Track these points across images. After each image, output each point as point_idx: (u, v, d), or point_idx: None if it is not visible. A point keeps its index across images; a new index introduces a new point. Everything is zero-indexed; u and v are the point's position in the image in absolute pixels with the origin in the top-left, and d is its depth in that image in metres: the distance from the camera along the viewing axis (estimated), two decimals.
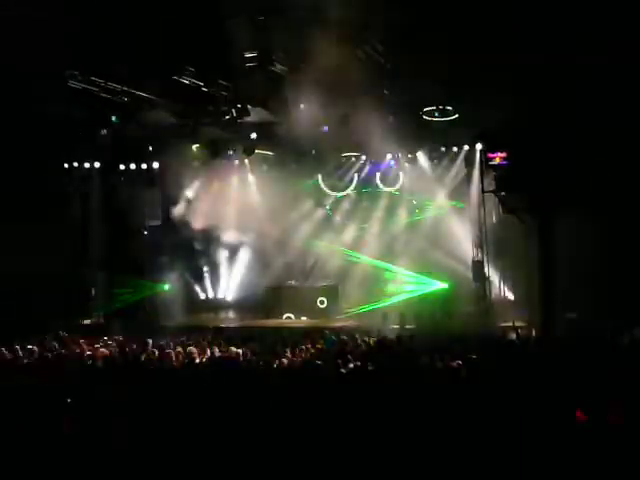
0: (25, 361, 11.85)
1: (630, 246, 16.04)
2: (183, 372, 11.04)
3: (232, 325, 20.34)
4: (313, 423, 7.83)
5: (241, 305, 22.18)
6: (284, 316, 20.80)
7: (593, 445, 7.20)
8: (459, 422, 7.89)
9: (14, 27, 12.58)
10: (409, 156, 20.15)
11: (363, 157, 20.96)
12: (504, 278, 19.20)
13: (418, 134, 18.41)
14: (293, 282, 22.02)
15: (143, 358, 12.05)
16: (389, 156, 20.43)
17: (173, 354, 11.82)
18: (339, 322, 19.34)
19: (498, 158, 18.43)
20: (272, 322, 20.36)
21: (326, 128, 18.27)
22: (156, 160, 21.10)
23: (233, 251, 22.62)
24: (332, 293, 21.06)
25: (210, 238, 21.95)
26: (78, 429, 7.71)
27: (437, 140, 19.18)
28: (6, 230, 17.69)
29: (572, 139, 15.59)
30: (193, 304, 21.78)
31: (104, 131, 18.47)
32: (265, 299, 21.63)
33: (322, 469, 7.05)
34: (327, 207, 22.33)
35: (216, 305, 22.81)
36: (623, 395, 8.27)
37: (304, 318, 20.55)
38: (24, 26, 12.70)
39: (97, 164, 21.34)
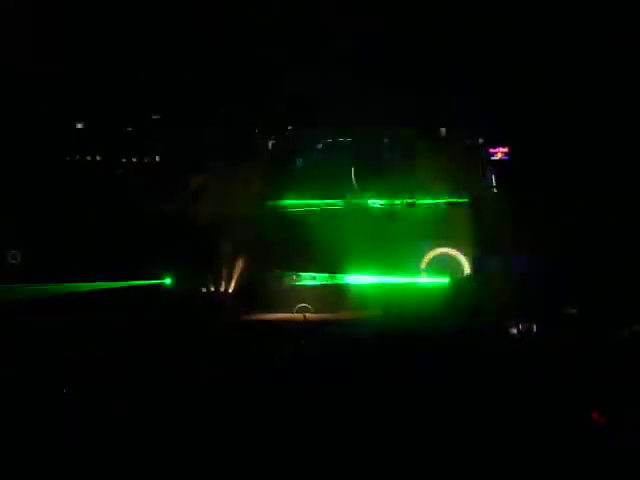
0: None
1: (632, 241, 16.07)
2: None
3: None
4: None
5: (243, 299, 22.10)
6: (286, 310, 20.74)
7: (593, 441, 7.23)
8: (459, 416, 7.91)
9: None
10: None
11: None
12: (505, 272, 19.15)
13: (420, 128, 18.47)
14: (294, 276, 21.98)
15: None
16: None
17: None
18: (340, 315, 19.38)
19: (500, 153, 18.45)
20: (273, 316, 20.33)
21: None
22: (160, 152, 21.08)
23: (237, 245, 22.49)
24: (333, 286, 21.09)
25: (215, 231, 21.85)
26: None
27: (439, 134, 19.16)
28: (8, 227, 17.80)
29: (572, 133, 15.67)
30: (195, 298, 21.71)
31: None
32: (267, 293, 21.58)
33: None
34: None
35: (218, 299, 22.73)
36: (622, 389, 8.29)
37: (307, 312, 20.47)
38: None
39: (98, 157, 21.33)
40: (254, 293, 21.54)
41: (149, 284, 21.27)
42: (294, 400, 8.77)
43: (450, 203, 20.08)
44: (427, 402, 8.59)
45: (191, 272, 22.33)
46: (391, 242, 20.86)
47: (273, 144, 20.54)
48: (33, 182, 18.16)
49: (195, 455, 7.19)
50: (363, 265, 20.75)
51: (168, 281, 21.58)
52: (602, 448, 7.10)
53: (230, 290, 22.86)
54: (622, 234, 16.05)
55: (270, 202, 21.25)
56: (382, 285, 20.36)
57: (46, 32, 12.95)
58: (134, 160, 21.46)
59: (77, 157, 20.94)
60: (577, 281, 16.01)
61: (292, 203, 21.53)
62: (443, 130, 19.15)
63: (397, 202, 21.03)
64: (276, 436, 7.58)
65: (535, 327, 14.72)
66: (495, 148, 18.51)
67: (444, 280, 19.65)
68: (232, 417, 8.19)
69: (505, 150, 18.48)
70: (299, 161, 20.56)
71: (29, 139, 17.17)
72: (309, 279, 21.65)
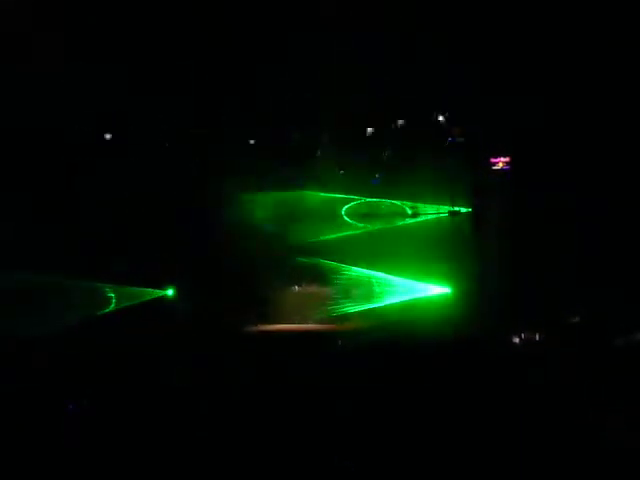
0: None
1: (634, 249, 16.07)
2: None
3: None
4: None
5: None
6: (287, 320, 20.61)
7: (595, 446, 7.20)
8: (458, 420, 7.91)
9: None
10: None
11: None
12: (507, 281, 19.10)
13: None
14: (296, 287, 21.88)
15: None
16: None
17: None
18: (343, 326, 19.35)
19: (501, 163, 18.43)
20: (275, 327, 20.20)
21: None
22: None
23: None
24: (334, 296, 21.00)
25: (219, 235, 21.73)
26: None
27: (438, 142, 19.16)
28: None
29: (575, 141, 15.69)
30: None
31: None
32: (267, 303, 21.44)
33: None
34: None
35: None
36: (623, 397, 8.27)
37: (309, 323, 20.31)
38: None
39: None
40: (260, 302, 21.38)
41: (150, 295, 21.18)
42: (293, 404, 8.80)
43: (452, 212, 20.08)
44: (426, 406, 8.60)
45: (195, 281, 22.11)
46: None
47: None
48: (34, 182, 18.30)
49: (195, 456, 7.21)
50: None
51: (170, 292, 21.47)
52: (602, 450, 7.09)
53: (235, 299, 22.75)
54: (624, 241, 16.06)
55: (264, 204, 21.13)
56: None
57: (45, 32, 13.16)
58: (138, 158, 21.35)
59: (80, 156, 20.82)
60: (578, 287, 16.03)
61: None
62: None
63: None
64: (275, 440, 7.61)
65: (536, 334, 14.73)
66: (496, 157, 18.50)
67: (446, 289, 19.65)
68: (232, 420, 8.22)
69: (507, 160, 18.46)
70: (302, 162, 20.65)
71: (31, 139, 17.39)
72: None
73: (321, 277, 21.26)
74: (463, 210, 19.72)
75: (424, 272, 19.73)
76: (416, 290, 19.94)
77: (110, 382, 10.36)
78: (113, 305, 20.14)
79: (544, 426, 7.59)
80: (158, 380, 10.53)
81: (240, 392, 9.81)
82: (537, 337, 14.90)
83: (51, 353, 13.03)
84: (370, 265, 20.57)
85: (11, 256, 18.06)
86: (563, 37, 14.39)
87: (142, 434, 7.83)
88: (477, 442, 7.36)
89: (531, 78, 15.39)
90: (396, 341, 15.02)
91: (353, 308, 20.06)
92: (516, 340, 14.83)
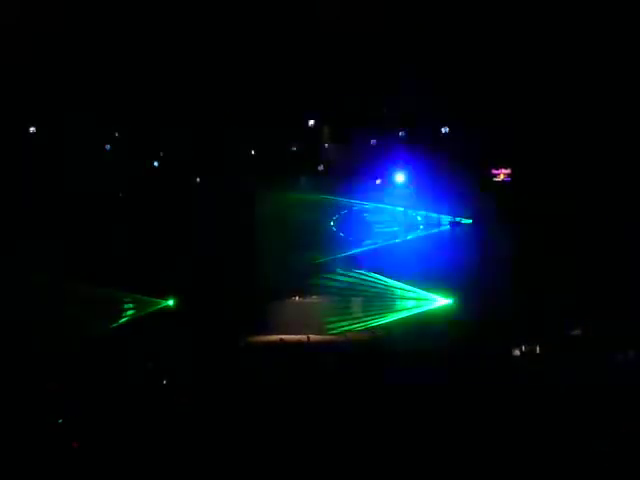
0: None
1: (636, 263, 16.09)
2: None
3: None
4: None
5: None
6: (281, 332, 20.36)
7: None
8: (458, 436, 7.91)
9: None
10: None
11: None
12: (509, 293, 19.10)
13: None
14: (297, 298, 21.83)
15: None
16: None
17: None
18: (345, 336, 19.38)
19: (502, 174, 18.48)
20: (269, 338, 20.05)
21: None
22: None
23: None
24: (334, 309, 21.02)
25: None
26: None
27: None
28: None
29: (577, 154, 15.78)
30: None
31: None
32: (263, 315, 21.32)
33: None
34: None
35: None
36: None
37: (303, 335, 20.07)
38: None
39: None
40: (260, 313, 21.23)
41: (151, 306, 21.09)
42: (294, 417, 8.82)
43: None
44: (426, 421, 8.61)
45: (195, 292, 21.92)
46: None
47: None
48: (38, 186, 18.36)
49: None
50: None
51: (171, 302, 21.37)
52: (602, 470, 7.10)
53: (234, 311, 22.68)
54: (626, 255, 16.09)
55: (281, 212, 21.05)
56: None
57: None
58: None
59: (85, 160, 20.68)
60: (580, 302, 16.04)
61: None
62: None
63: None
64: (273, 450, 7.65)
65: (538, 348, 14.72)
66: (497, 169, 18.55)
67: (448, 300, 19.65)
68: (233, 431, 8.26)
69: (508, 171, 18.52)
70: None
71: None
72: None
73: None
74: (464, 221, 19.77)
75: (425, 284, 19.80)
76: (417, 301, 19.99)
77: (110, 387, 10.43)
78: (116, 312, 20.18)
79: (545, 438, 7.59)
80: (158, 386, 10.58)
81: (243, 400, 9.85)
82: (537, 349, 14.90)
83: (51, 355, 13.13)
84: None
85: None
86: (563, 52, 14.51)
87: (140, 441, 7.85)
88: (477, 451, 7.36)
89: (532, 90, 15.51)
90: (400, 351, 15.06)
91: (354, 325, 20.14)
92: (517, 352, 14.83)
